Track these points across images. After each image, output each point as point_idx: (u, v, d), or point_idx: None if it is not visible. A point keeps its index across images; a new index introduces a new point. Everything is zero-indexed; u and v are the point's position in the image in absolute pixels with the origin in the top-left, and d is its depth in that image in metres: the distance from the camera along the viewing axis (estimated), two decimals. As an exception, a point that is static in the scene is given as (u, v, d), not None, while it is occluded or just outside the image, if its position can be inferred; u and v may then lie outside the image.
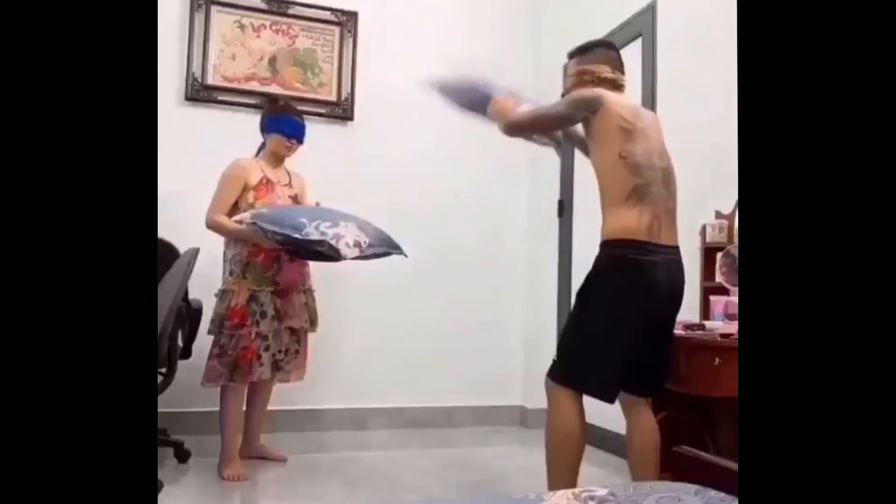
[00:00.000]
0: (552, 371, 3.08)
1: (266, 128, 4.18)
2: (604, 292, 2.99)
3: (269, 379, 4.02)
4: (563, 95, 3.39)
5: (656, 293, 2.96)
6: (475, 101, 3.53)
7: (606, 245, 3.01)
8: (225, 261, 3.98)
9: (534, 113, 3.31)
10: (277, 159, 4.19)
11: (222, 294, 3.89)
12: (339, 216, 3.78)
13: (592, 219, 5.04)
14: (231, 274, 3.90)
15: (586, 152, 3.38)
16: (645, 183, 2.97)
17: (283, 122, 4.13)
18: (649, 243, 2.93)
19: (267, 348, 3.86)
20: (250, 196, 3.94)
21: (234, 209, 3.92)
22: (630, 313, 2.94)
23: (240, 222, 3.77)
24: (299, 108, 5.17)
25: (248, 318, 3.79)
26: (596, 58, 3.29)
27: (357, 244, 3.69)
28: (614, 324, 2.95)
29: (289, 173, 4.26)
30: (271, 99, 4.53)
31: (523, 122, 3.31)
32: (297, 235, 3.57)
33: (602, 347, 2.96)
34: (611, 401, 3.03)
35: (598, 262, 3.03)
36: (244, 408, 4.09)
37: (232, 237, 3.91)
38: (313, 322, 4.15)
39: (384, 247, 3.90)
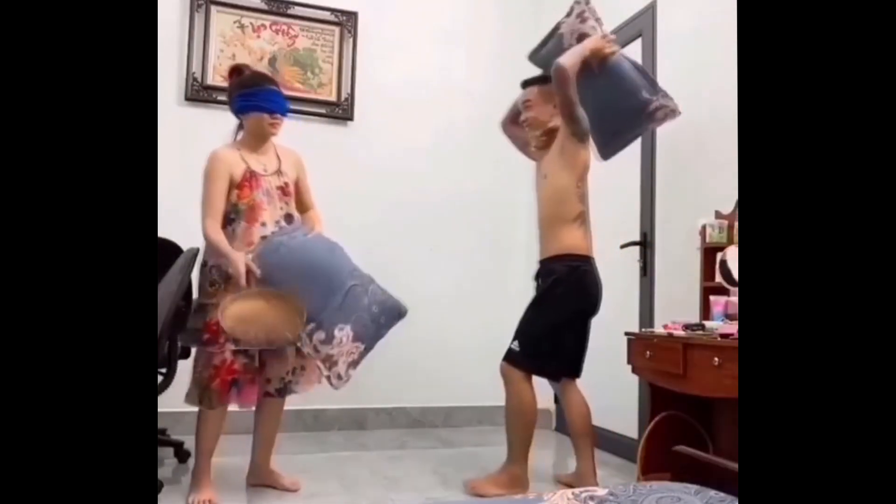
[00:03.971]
0: (512, 358, 3.69)
1: (240, 107, 3.58)
2: (563, 295, 3.68)
3: (276, 400, 3.64)
4: (523, 122, 3.94)
5: (596, 296, 3.77)
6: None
7: (562, 258, 3.70)
8: (201, 267, 3.53)
9: (574, 90, 3.58)
10: (261, 141, 3.61)
11: (200, 307, 3.44)
12: (337, 315, 3.32)
13: (592, 219, 5.05)
14: (212, 285, 3.44)
15: (524, 152, 4.17)
16: (586, 210, 3.77)
17: (261, 96, 3.54)
18: (590, 257, 3.75)
19: (254, 369, 3.45)
20: (233, 195, 3.47)
21: None
22: (580, 312, 3.73)
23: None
24: (299, 108, 5.18)
25: (223, 336, 3.29)
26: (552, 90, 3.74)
27: (351, 364, 3.34)
28: (569, 319, 3.71)
29: (278, 156, 3.68)
30: (235, 70, 3.76)
31: (569, 81, 3.55)
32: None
33: (561, 338, 3.69)
34: (557, 379, 3.84)
35: (556, 271, 3.70)
36: (227, 429, 3.58)
37: (223, 258, 3.38)
38: None
39: (385, 329, 3.50)
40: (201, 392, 3.36)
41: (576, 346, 3.75)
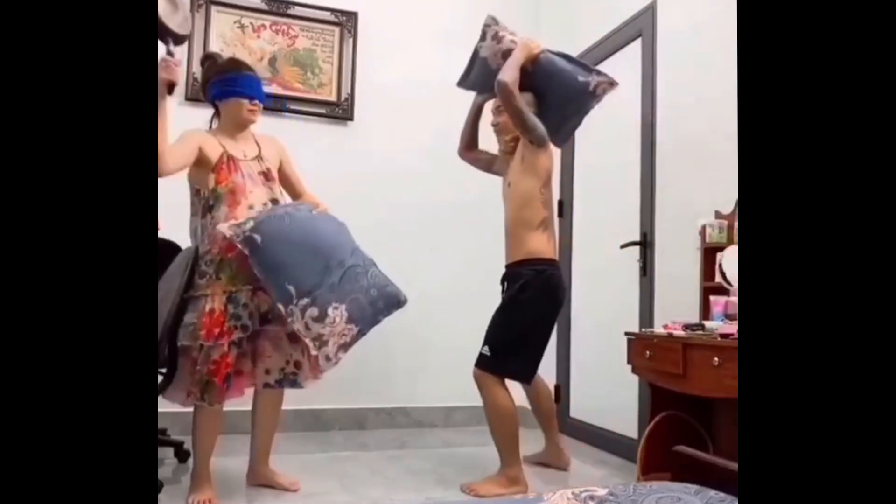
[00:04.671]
0: (483, 363, 3.80)
1: (217, 93, 3.49)
2: (532, 299, 3.74)
3: (274, 392, 3.57)
4: (494, 125, 4.06)
5: (562, 298, 3.89)
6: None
7: (528, 263, 3.78)
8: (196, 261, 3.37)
9: (520, 101, 3.72)
10: (239, 128, 3.50)
11: (192, 301, 3.28)
12: (332, 293, 3.22)
13: (592, 219, 5.06)
14: (202, 276, 3.29)
15: (489, 171, 4.27)
16: (550, 216, 3.87)
17: (239, 81, 3.44)
18: (555, 261, 3.87)
19: (245, 360, 3.33)
20: (210, 179, 3.33)
21: (196, 196, 3.41)
22: (547, 315, 3.83)
23: (236, 232, 3.18)
24: (299, 108, 5.18)
25: (226, 325, 3.21)
26: (528, 97, 3.90)
27: (342, 346, 3.25)
28: (538, 322, 3.80)
29: (257, 143, 3.58)
30: (209, 57, 3.67)
31: (514, 94, 3.69)
32: (280, 306, 3.16)
33: (531, 341, 3.81)
34: (529, 381, 4.07)
35: (523, 275, 3.77)
36: (252, 427, 3.63)
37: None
38: None
39: (382, 314, 3.40)
40: (202, 389, 3.21)
41: (542, 347, 3.89)
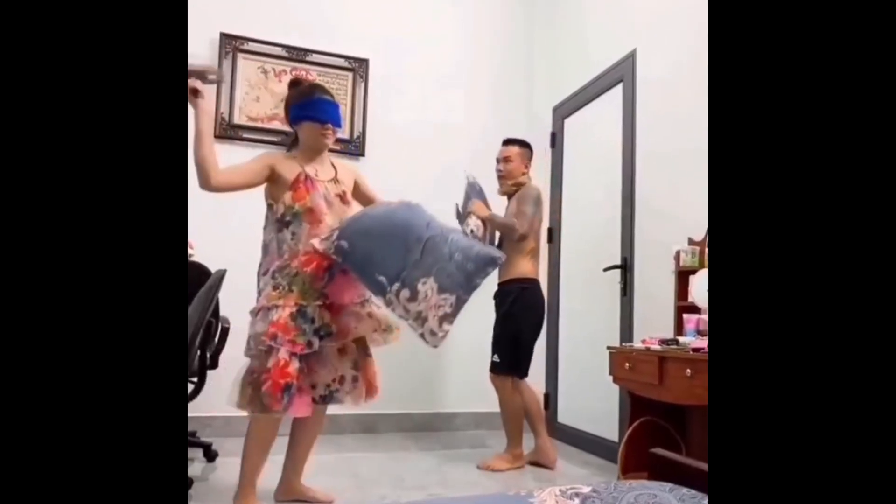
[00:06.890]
0: (496, 369, 4.28)
1: (293, 117, 3.25)
2: (522, 311, 4.27)
3: (317, 408, 3.26)
4: (499, 171, 4.47)
5: (544, 309, 4.45)
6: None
7: (516, 282, 4.28)
8: (262, 275, 3.15)
9: (526, 221, 4.25)
10: (314, 151, 3.25)
11: (262, 312, 3.02)
12: (415, 270, 2.95)
13: (578, 245, 5.06)
14: (276, 288, 3.02)
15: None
16: (537, 246, 4.41)
17: (313, 105, 3.19)
18: (537, 280, 4.36)
19: (306, 372, 3.05)
20: (287, 196, 3.09)
21: (270, 211, 3.19)
22: (535, 322, 4.35)
23: (327, 245, 2.99)
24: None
25: (291, 334, 2.93)
26: (528, 152, 4.52)
27: (444, 318, 2.93)
28: (529, 328, 4.31)
29: (333, 166, 3.34)
30: (294, 82, 3.41)
31: (527, 231, 4.25)
32: (381, 299, 2.97)
33: (529, 346, 4.32)
34: (524, 377, 4.32)
35: (512, 292, 4.28)
36: (284, 441, 3.31)
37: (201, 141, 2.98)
38: (387, 330, 3.29)
39: (477, 276, 3.04)
40: (253, 394, 2.91)
41: (532, 348, 4.35)
